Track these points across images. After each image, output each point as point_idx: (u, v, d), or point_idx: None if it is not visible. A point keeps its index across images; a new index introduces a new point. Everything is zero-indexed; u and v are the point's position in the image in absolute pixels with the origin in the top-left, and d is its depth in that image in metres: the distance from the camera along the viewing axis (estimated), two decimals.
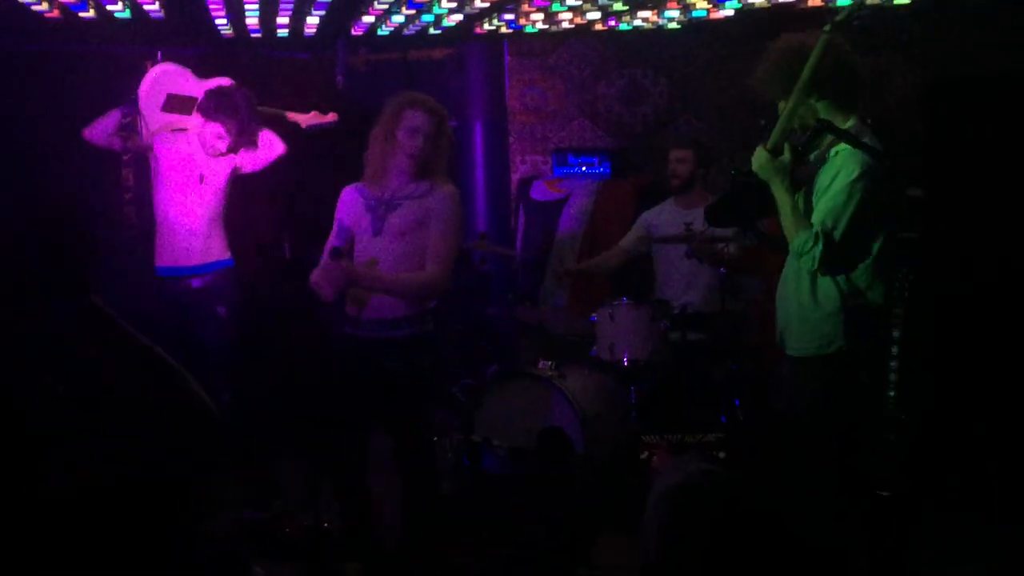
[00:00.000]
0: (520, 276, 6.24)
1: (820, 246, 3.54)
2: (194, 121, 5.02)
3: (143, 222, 5.02)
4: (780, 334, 3.84)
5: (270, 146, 5.22)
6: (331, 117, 5.34)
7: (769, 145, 3.64)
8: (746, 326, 5.66)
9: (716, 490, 1.91)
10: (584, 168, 6.92)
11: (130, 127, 4.92)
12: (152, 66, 5.06)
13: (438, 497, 4.38)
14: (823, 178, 3.63)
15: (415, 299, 4.10)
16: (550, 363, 5.28)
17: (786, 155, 3.61)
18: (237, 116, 4.96)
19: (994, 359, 4.58)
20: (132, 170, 5.00)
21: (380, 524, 4.34)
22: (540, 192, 7.06)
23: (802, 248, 3.58)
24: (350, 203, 4.23)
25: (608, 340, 5.30)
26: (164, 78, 5.07)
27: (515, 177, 7.43)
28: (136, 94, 4.96)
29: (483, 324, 6.21)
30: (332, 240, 4.23)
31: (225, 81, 5.13)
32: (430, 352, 4.23)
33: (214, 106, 4.95)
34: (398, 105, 4.15)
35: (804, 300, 3.69)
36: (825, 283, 3.64)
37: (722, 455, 4.91)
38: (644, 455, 4.94)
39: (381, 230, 4.11)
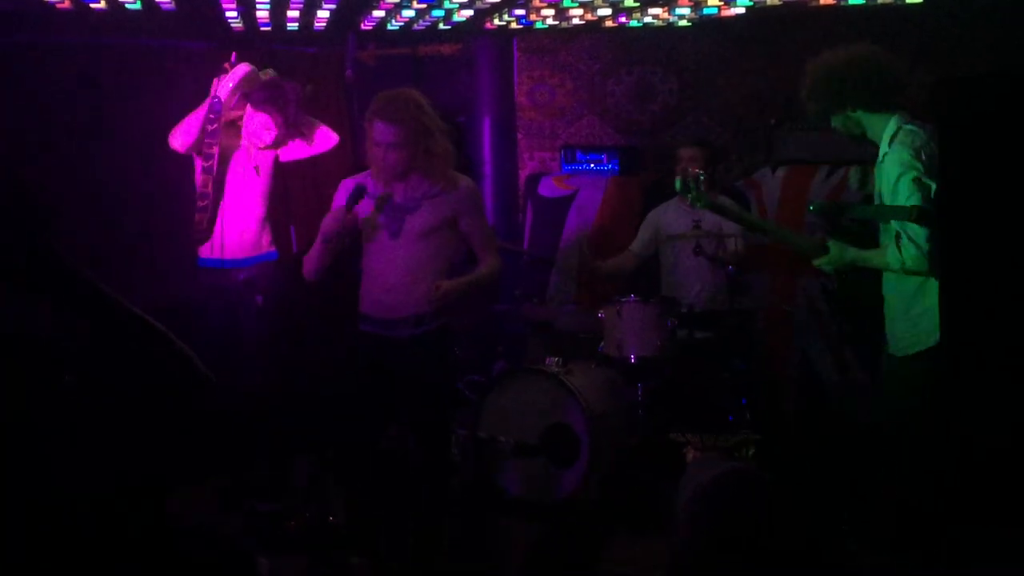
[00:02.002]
0: (527, 273, 6.22)
1: (905, 242, 3.63)
2: (245, 112, 4.98)
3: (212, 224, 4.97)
4: (888, 336, 3.92)
5: (322, 140, 5.19)
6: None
7: (817, 259, 3.93)
8: (754, 325, 5.65)
9: (754, 487, 1.95)
10: (592, 165, 6.91)
11: (214, 133, 4.82)
12: (230, 67, 4.91)
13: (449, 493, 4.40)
14: (884, 186, 3.77)
15: (489, 289, 4.15)
16: (557, 360, 5.27)
17: (833, 250, 3.86)
18: (285, 110, 4.91)
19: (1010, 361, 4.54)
20: (212, 177, 4.87)
21: (388, 520, 4.34)
22: (548, 189, 7.05)
23: (900, 261, 3.67)
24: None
25: (615, 337, 5.29)
26: (247, 78, 4.95)
27: (523, 173, 7.43)
28: (216, 97, 4.82)
29: (490, 321, 6.20)
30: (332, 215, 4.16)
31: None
32: (452, 346, 4.24)
33: (263, 96, 4.89)
34: (369, 117, 4.02)
35: (907, 297, 3.78)
36: (920, 278, 3.73)
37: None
38: (683, 451, 4.94)
39: (399, 232, 4.06)
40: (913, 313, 3.75)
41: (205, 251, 4.98)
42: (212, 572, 2.47)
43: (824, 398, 5.70)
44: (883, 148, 3.81)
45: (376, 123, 3.99)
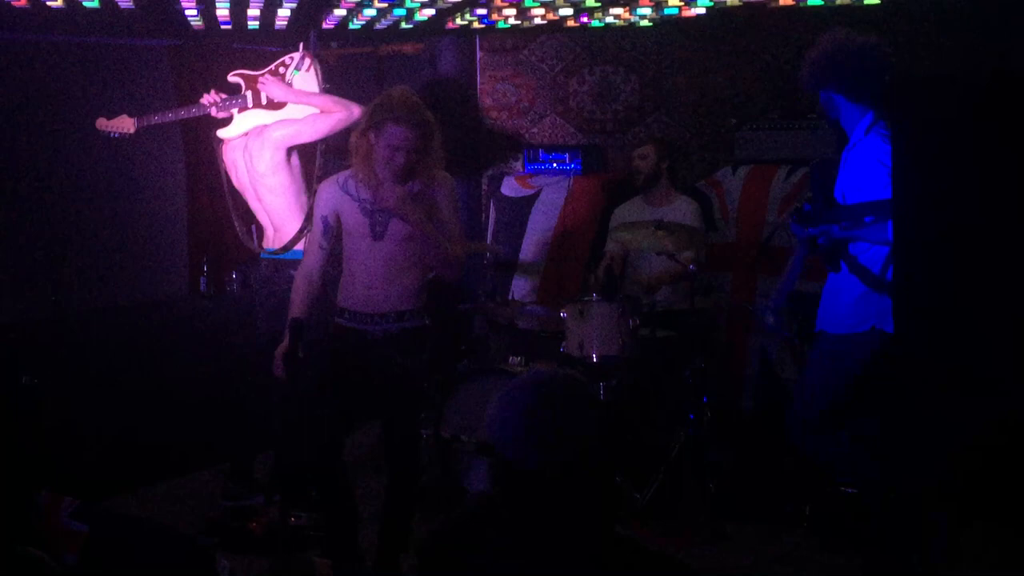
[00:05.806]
0: (491, 272, 6.23)
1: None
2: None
3: None
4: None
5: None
6: None
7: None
8: (715, 324, 5.69)
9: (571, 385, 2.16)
10: (555, 164, 6.92)
11: None
12: None
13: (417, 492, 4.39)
14: (850, 172, 3.89)
15: (440, 263, 4.06)
16: (520, 359, 5.29)
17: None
18: None
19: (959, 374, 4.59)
20: None
21: (358, 519, 4.31)
22: (511, 188, 7.06)
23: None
24: (335, 200, 4.14)
25: (577, 336, 5.30)
26: None
27: (486, 173, 7.44)
28: None
29: (454, 320, 6.19)
30: (318, 239, 4.16)
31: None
32: (428, 346, 4.23)
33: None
34: (382, 116, 3.97)
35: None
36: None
37: None
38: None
39: (384, 235, 4.07)
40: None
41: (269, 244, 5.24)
42: (173, 571, 2.55)
43: (783, 396, 5.74)
44: (855, 137, 3.90)
45: (391, 126, 3.94)
